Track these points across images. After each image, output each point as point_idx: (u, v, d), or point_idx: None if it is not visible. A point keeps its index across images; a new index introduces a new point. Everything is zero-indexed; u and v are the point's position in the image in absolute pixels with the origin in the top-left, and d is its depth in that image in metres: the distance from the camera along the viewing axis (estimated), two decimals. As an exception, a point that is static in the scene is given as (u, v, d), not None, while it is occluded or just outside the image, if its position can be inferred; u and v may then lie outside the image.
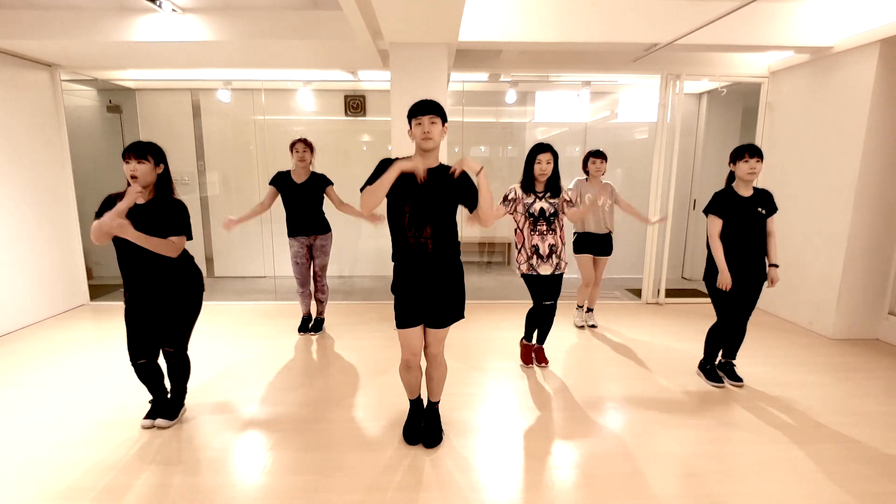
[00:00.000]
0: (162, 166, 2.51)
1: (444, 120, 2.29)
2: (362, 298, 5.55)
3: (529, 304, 3.58)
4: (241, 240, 6.50)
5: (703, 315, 4.93)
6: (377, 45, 4.12)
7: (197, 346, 3.94)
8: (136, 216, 2.40)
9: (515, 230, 3.34)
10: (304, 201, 3.90)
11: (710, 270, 3.21)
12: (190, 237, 2.56)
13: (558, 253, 3.28)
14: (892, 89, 3.90)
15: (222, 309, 5.09)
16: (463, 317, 2.44)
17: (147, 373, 2.68)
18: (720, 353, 3.44)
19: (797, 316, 4.71)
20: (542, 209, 3.22)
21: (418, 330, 2.40)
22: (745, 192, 3.10)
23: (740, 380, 3.33)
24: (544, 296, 3.40)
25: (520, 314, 3.52)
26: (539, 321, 3.52)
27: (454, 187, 2.29)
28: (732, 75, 5.10)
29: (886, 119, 3.95)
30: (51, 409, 2.94)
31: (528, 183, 3.27)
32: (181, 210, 2.53)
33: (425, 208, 2.25)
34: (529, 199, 3.25)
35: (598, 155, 4.14)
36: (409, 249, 2.28)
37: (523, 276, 3.38)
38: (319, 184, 3.95)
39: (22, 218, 4.43)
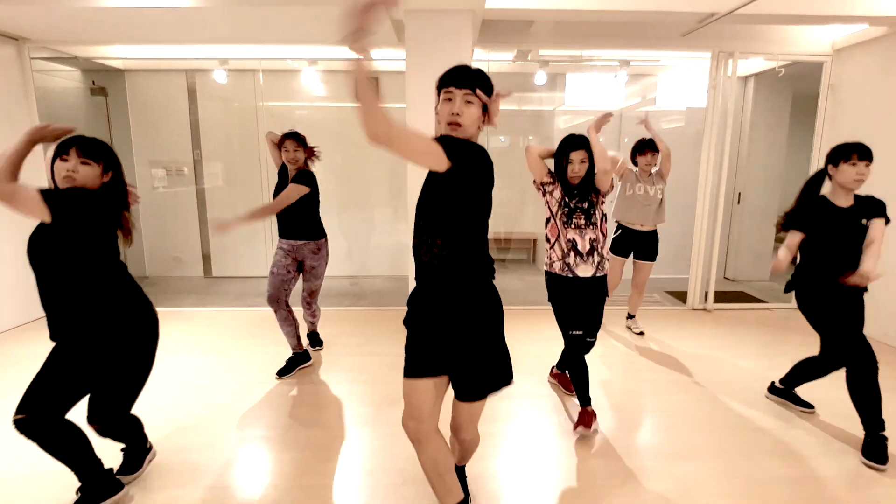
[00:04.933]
0: (111, 174, 1.90)
1: (485, 105, 1.55)
2: (373, 303, 5.00)
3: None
4: (243, 237, 5.96)
5: (758, 323, 4.36)
6: (390, 13, 3.55)
7: (178, 365, 3.41)
8: (44, 241, 1.79)
9: (547, 220, 2.68)
10: (295, 202, 3.14)
11: (805, 293, 2.56)
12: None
13: (599, 250, 2.61)
14: None
15: (215, 316, 4.56)
16: (510, 381, 1.69)
17: (47, 436, 1.78)
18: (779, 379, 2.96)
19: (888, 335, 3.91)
20: (577, 203, 2.59)
21: (430, 385, 1.61)
22: (845, 201, 2.43)
23: (811, 406, 2.83)
24: (577, 316, 2.68)
25: (552, 321, 2.86)
26: (572, 363, 2.71)
27: (459, 183, 1.50)
28: (791, 53, 4.48)
29: None
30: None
31: (561, 180, 2.62)
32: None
33: (431, 209, 1.56)
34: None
35: (653, 147, 3.71)
36: (422, 263, 1.60)
37: (551, 278, 2.72)
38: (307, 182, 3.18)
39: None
